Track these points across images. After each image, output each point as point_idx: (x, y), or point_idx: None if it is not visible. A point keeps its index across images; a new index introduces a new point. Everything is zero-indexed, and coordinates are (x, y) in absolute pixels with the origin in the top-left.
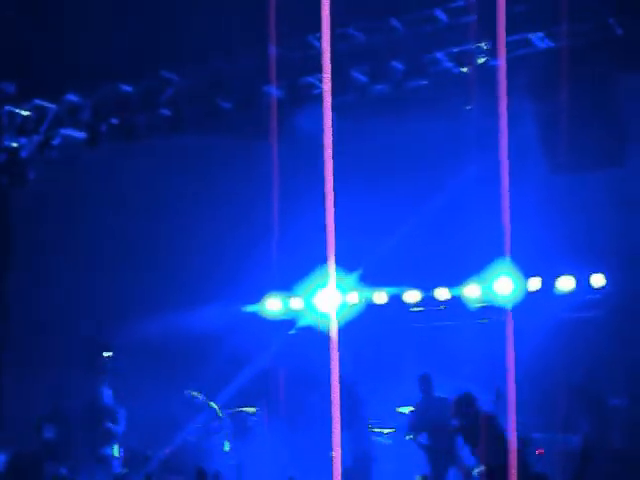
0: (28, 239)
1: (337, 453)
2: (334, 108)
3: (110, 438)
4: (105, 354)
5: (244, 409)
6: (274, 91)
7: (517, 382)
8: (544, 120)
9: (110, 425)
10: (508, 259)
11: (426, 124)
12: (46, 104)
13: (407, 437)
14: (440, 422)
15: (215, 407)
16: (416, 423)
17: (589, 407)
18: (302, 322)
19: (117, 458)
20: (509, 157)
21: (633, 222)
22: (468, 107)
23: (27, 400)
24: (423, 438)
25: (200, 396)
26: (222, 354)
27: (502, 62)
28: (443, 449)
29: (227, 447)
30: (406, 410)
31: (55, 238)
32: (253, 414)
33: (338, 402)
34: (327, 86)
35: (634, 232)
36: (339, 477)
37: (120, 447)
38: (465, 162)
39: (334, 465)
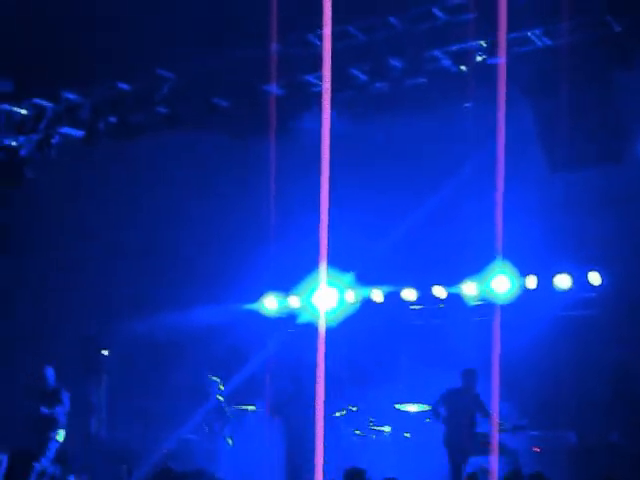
0: (24, 238)
1: (319, 446)
2: (332, 107)
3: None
4: (103, 352)
5: (244, 407)
6: (273, 89)
7: (516, 378)
8: (542, 118)
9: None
10: (505, 257)
11: (424, 123)
12: (44, 103)
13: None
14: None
15: (222, 400)
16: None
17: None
18: (300, 320)
19: (59, 443)
20: (507, 155)
21: (630, 219)
22: (466, 105)
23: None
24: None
25: (219, 381)
26: (222, 351)
27: (502, 59)
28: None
29: (231, 442)
30: (405, 407)
31: (53, 236)
32: (252, 412)
33: (322, 396)
34: (327, 84)
35: (631, 229)
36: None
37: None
38: (463, 160)
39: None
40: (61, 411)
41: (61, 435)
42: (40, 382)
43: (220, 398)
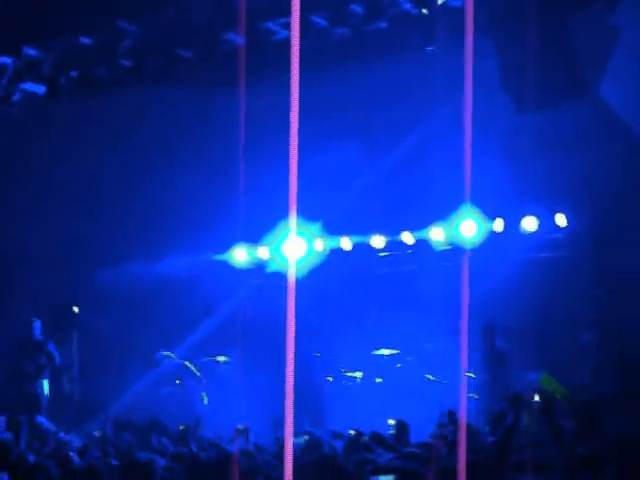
0: None
1: (289, 399)
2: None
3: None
4: (73, 308)
5: (215, 357)
6: (235, 38)
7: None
8: (505, 60)
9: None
10: (472, 202)
11: (387, 69)
12: (4, 59)
13: None
14: None
15: (191, 366)
16: None
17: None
18: (269, 270)
19: (46, 396)
20: (475, 98)
21: (596, 161)
22: (428, 49)
23: None
24: None
25: (173, 356)
26: (191, 302)
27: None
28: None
29: (205, 400)
30: (383, 352)
31: (19, 191)
32: (224, 362)
33: (292, 348)
34: (295, 31)
35: (598, 171)
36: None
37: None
38: (428, 106)
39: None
40: (48, 363)
41: (46, 387)
42: (27, 334)
43: (189, 365)
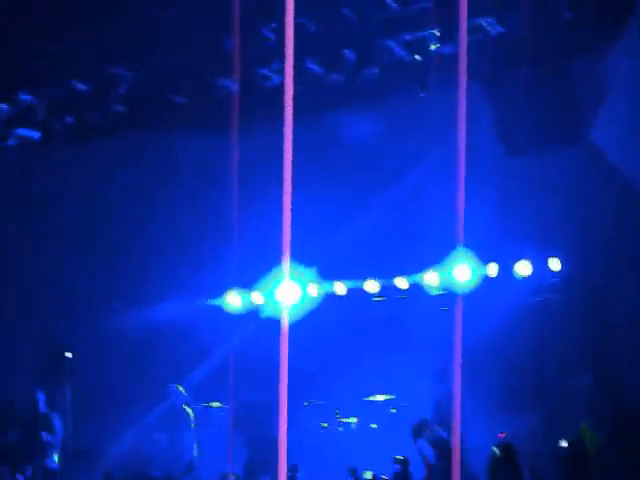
0: None
1: (282, 447)
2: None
3: (49, 448)
4: (67, 354)
5: (209, 404)
6: (229, 84)
7: (479, 364)
8: (498, 105)
9: (46, 435)
10: (464, 246)
11: (379, 114)
12: None
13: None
14: None
15: (191, 413)
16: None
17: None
18: (263, 315)
19: (57, 465)
20: (468, 143)
21: (588, 205)
22: (422, 95)
23: None
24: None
25: (182, 389)
26: (186, 348)
27: (463, 45)
28: None
29: (196, 452)
30: (371, 398)
31: (12, 237)
32: (218, 408)
33: (285, 394)
34: (289, 77)
35: (589, 214)
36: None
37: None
38: (422, 151)
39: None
40: (53, 439)
41: (56, 459)
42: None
43: (189, 411)
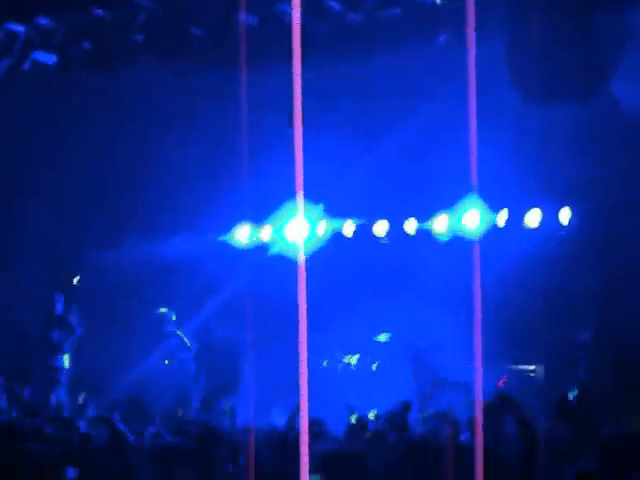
0: None
1: (304, 379)
2: (305, 40)
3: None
4: (74, 281)
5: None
6: (247, 18)
7: (484, 314)
8: (515, 51)
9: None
10: (476, 192)
11: (397, 55)
12: (17, 28)
13: None
14: None
15: (183, 336)
16: None
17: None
18: (272, 251)
19: (67, 370)
20: (480, 89)
21: (602, 156)
22: (440, 39)
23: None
24: None
25: (173, 316)
26: (194, 282)
27: None
28: None
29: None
30: (380, 338)
31: (24, 165)
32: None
33: (305, 330)
34: (297, 14)
35: (603, 166)
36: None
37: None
38: (436, 93)
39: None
40: (69, 336)
41: (67, 361)
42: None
43: (181, 334)
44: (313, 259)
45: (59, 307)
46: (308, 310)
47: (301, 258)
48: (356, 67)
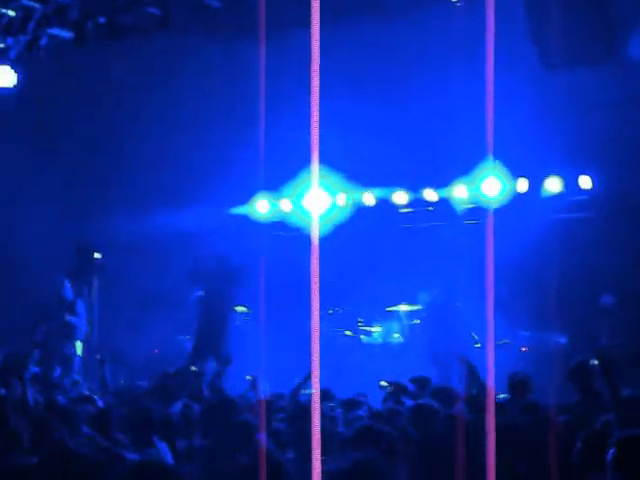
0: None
1: (316, 353)
2: (323, 6)
3: (71, 332)
4: (96, 255)
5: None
6: None
7: (504, 282)
8: (536, 15)
9: (70, 318)
10: (496, 160)
11: (414, 20)
12: (32, 4)
13: None
14: None
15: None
16: None
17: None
18: (290, 223)
19: (79, 357)
20: (500, 54)
21: (623, 122)
22: (457, 3)
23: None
24: None
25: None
26: (208, 259)
27: None
28: None
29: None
30: (394, 308)
31: (44, 139)
32: (242, 313)
33: (317, 306)
34: None
35: (624, 132)
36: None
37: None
38: (454, 60)
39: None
40: (78, 322)
41: (79, 348)
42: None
43: None
44: (333, 231)
45: (67, 292)
46: (327, 281)
47: (315, 228)
48: (375, 33)
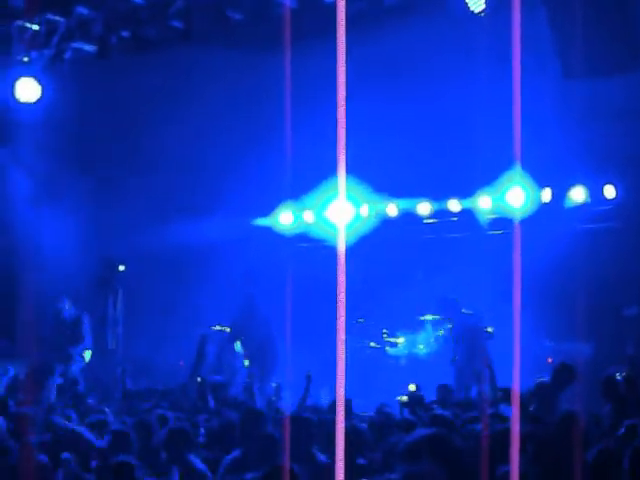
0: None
1: (341, 365)
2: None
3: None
4: (120, 268)
5: None
6: (286, 0)
7: (529, 292)
8: (558, 23)
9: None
10: (520, 169)
11: (437, 28)
12: (56, 18)
13: None
14: None
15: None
16: None
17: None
18: (314, 235)
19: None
20: (523, 63)
21: None
22: (481, 13)
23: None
24: None
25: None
26: (232, 268)
27: None
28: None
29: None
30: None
31: (67, 153)
32: None
33: (343, 318)
34: None
35: None
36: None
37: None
38: (478, 69)
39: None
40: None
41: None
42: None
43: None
44: (358, 242)
45: (71, 312)
46: (352, 291)
47: (341, 239)
48: (398, 45)
